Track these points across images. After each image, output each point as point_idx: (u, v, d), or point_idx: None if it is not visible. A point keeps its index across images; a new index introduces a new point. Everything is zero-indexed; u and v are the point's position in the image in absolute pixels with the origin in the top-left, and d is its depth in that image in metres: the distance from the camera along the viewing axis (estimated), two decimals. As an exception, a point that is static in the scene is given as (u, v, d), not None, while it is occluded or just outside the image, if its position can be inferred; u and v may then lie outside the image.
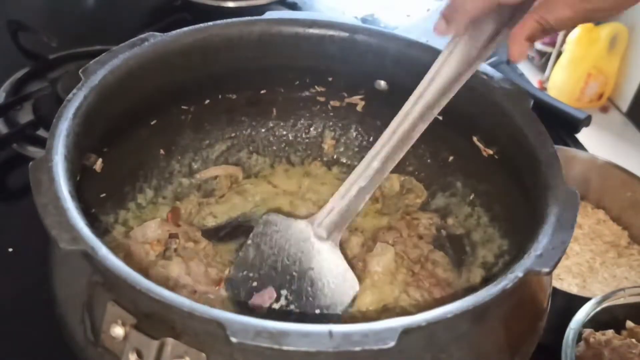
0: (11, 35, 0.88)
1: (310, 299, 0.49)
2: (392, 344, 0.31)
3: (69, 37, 0.93)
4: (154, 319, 0.35)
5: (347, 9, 1.11)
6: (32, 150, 0.73)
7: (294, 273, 0.50)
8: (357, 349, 0.31)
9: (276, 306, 0.49)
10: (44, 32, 0.87)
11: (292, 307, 0.49)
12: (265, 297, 0.50)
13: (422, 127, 0.49)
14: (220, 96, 0.61)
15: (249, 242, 0.53)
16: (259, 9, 1.04)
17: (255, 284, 0.51)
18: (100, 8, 1.12)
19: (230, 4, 1.06)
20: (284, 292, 0.50)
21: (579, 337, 0.51)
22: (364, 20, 1.03)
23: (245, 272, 0.51)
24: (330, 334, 0.32)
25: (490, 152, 0.55)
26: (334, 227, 0.50)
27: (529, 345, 0.43)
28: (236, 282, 0.51)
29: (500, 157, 0.54)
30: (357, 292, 0.50)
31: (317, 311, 0.49)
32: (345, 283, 0.50)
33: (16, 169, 0.74)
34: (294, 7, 1.10)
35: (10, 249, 0.64)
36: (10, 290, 0.60)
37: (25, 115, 0.78)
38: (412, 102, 0.48)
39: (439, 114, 0.58)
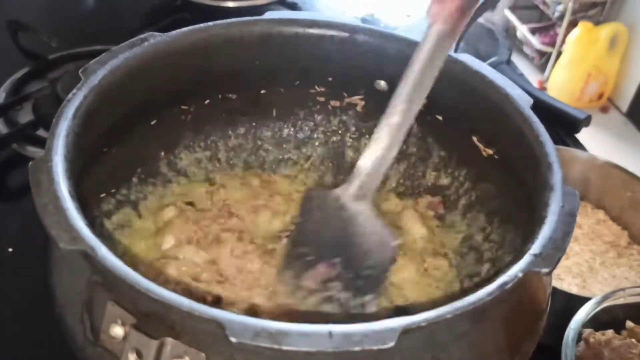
0: (11, 35, 0.88)
1: (359, 261, 0.51)
2: (391, 344, 0.31)
3: (69, 37, 0.93)
4: (153, 319, 0.35)
5: (347, 9, 1.11)
6: (32, 150, 0.74)
7: (340, 241, 0.52)
8: (357, 349, 0.31)
9: (333, 274, 0.51)
10: (44, 32, 0.88)
11: (345, 272, 0.51)
12: (321, 272, 0.51)
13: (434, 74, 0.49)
14: (220, 96, 0.61)
15: (297, 220, 0.56)
16: (259, 9, 1.04)
17: (309, 258, 0.52)
18: (100, 8, 1.12)
19: (230, 4, 1.07)
20: (337, 260, 0.51)
21: (579, 337, 0.51)
22: (364, 20, 1.03)
23: (298, 249, 0.53)
24: (330, 334, 0.32)
25: (490, 152, 0.55)
26: (365, 189, 0.52)
27: (529, 345, 0.43)
28: (291, 259, 0.53)
29: (500, 157, 0.54)
30: (397, 244, 0.52)
31: (367, 272, 0.51)
32: (384, 240, 0.52)
33: (16, 169, 0.74)
34: (294, 7, 1.10)
35: (10, 249, 0.64)
36: (10, 290, 0.60)
37: (25, 115, 0.78)
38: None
39: (439, 114, 0.59)
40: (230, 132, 0.63)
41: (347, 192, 0.52)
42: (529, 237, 0.41)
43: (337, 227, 0.53)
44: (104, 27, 1.03)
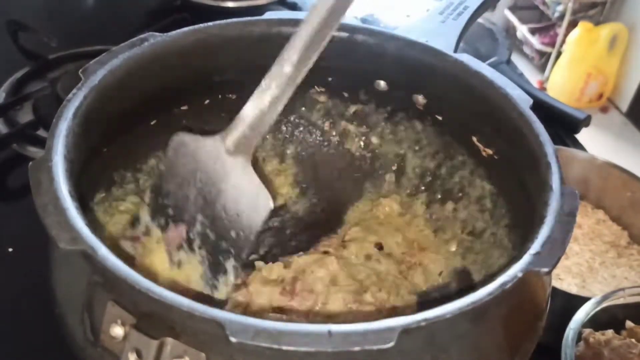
0: (11, 35, 0.88)
1: (225, 221, 0.47)
2: (391, 344, 0.31)
3: (69, 37, 0.93)
4: (153, 319, 0.35)
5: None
6: (32, 150, 0.74)
7: (207, 196, 0.48)
8: (356, 348, 0.31)
9: (192, 234, 0.48)
10: (44, 32, 0.88)
11: (208, 231, 0.48)
12: (174, 236, 0.48)
13: (333, 26, 0.45)
14: (220, 96, 0.61)
15: (162, 167, 0.50)
16: (259, 9, 1.04)
17: (171, 212, 0.49)
18: (100, 8, 1.12)
19: (230, 4, 1.07)
20: (199, 217, 0.48)
21: (579, 337, 0.51)
22: (364, 20, 1.03)
23: (160, 200, 0.49)
24: (330, 333, 0.32)
25: (490, 152, 0.55)
26: (245, 141, 0.46)
27: (528, 345, 0.43)
28: (154, 209, 0.50)
29: (500, 157, 0.54)
30: (271, 209, 0.46)
31: (233, 233, 0.47)
32: (258, 201, 0.46)
33: (16, 169, 0.74)
34: (294, 7, 1.10)
35: (10, 249, 0.64)
36: (10, 290, 0.60)
37: (25, 115, 0.78)
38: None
39: (439, 114, 0.59)
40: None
41: (225, 143, 0.46)
42: (528, 236, 0.41)
43: (206, 181, 0.47)
44: (104, 27, 1.03)
